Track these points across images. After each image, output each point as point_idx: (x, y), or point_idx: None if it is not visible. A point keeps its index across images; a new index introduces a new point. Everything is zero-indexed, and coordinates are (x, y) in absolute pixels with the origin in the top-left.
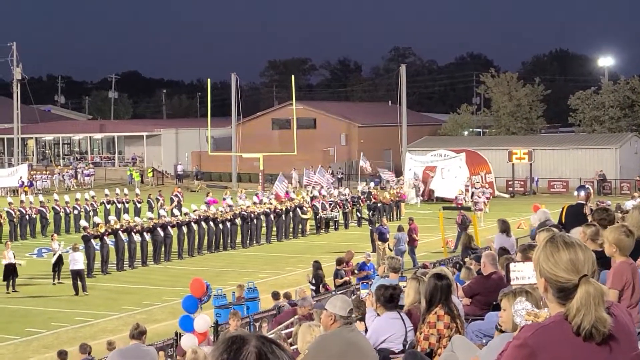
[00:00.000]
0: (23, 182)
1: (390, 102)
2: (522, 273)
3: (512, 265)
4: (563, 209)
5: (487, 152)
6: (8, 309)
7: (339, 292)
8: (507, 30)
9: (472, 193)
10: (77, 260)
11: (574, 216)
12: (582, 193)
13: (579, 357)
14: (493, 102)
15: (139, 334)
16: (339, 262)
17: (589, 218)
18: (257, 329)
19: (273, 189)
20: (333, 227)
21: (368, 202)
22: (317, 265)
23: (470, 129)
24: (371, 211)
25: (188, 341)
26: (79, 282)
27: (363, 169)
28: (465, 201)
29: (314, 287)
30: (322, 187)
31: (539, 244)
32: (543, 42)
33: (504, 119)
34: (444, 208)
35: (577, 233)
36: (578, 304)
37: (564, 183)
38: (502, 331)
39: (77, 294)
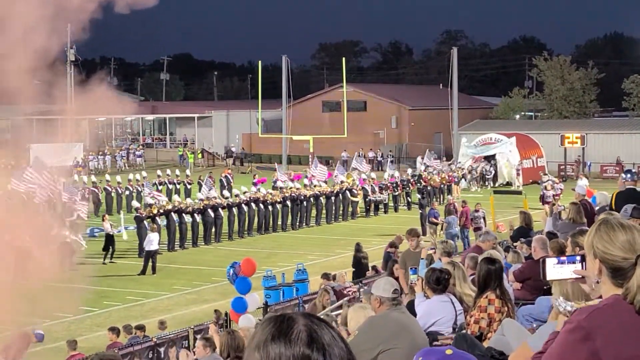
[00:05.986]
0: (77, 162)
1: (441, 85)
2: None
3: (549, 261)
4: (613, 194)
5: (539, 136)
6: (61, 287)
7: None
8: (561, 13)
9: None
10: (152, 241)
11: (625, 201)
12: (629, 177)
13: (637, 337)
14: (545, 85)
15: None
16: (392, 245)
17: None
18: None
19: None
20: (382, 210)
21: (418, 185)
22: (357, 248)
23: (522, 113)
24: (421, 194)
25: (246, 321)
26: (150, 263)
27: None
28: (517, 186)
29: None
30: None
31: (592, 226)
32: (597, 26)
33: (556, 102)
34: (495, 192)
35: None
36: (639, 281)
37: (616, 168)
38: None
39: (144, 273)
